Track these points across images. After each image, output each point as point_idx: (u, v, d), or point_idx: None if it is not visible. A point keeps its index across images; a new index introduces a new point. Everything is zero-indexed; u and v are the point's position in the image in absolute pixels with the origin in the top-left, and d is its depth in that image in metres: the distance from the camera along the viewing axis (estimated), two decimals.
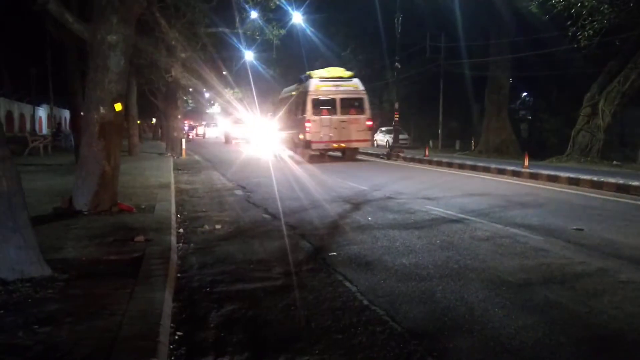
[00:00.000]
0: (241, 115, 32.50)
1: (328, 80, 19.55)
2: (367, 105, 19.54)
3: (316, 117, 18.65)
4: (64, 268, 4.84)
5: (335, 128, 18.85)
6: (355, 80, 19.96)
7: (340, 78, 19.81)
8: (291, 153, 20.91)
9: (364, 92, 19.68)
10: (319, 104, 18.81)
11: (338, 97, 19.07)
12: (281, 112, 23.11)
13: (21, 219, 4.58)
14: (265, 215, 8.78)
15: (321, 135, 18.67)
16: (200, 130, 57.24)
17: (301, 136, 19.16)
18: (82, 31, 7.98)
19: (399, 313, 4.15)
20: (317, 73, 20.36)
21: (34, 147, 21.75)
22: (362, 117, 19.31)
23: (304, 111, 18.88)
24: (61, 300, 4.09)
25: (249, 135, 34.07)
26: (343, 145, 19.46)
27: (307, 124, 18.53)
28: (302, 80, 20.94)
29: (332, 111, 18.96)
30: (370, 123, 19.63)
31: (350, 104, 19.25)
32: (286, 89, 24.72)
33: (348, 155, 20.22)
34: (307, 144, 18.87)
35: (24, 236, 4.55)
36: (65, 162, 16.89)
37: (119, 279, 4.62)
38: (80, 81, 16.65)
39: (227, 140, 39.48)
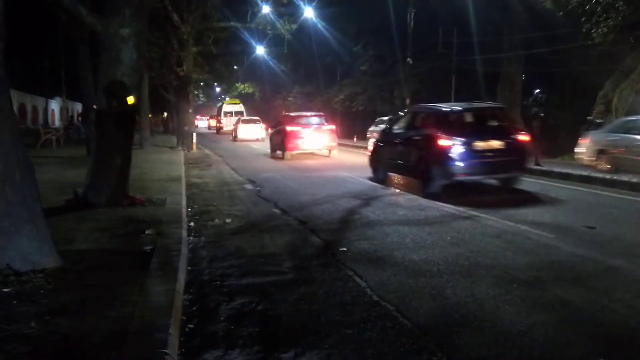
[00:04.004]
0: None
1: (230, 104, 48.95)
2: (244, 113, 44.81)
3: (225, 118, 46.67)
4: (76, 259, 4.88)
5: (239, 123, 36.72)
6: (241, 104, 48.43)
7: (234, 103, 48.98)
8: (232, 135, 37.05)
9: (243, 107, 47.49)
10: (227, 113, 47.33)
11: (233, 110, 46.90)
12: (216, 114, 53.83)
13: (34, 210, 4.61)
14: (275, 209, 8.79)
15: (226, 124, 45.11)
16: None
17: (220, 125, 47.76)
18: (95, 24, 8.01)
19: (409, 309, 4.15)
20: (227, 100, 52.01)
21: (47, 139, 21.90)
22: (254, 118, 38.86)
23: (220, 115, 48.74)
24: (73, 291, 4.12)
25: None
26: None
27: (222, 119, 47.30)
28: (222, 102, 53.10)
29: (231, 115, 45.64)
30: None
31: (238, 113, 45.15)
32: (219, 105, 56.02)
33: None
34: (221, 128, 46.43)
35: (37, 227, 4.59)
36: (77, 154, 16.99)
37: (130, 271, 4.65)
38: (92, 74, 16.74)
39: (209, 127, 59.73)
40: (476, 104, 12.34)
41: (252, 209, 8.85)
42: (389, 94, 35.43)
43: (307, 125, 19.30)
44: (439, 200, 9.25)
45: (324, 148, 19.47)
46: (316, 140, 19.12)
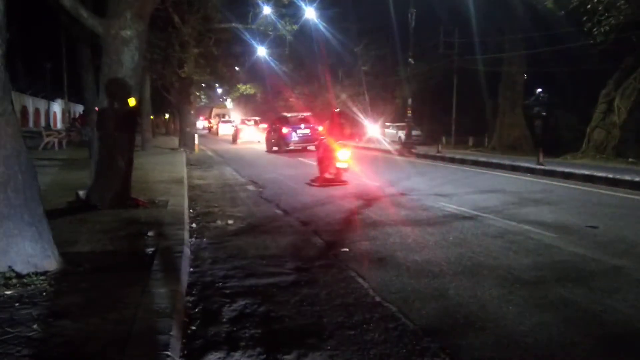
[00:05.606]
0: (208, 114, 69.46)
1: (219, 108, 65.63)
2: (230, 115, 60.04)
3: (214, 119, 59.60)
4: (78, 262, 4.88)
5: (219, 123, 51.22)
6: (227, 109, 67.18)
7: (222, 107, 67.34)
8: (228, 136, 42.97)
9: (229, 111, 64.91)
10: (217, 115, 61.83)
11: (222, 112, 63.26)
12: (208, 116, 66.84)
13: (36, 212, 4.61)
14: (277, 210, 8.79)
15: (215, 125, 54.56)
16: None
17: (210, 125, 61.80)
18: (96, 26, 8.01)
19: (411, 310, 4.14)
20: (216, 105, 67.09)
21: (49, 141, 21.93)
22: (230, 119, 50.79)
23: (211, 117, 64.42)
24: (75, 293, 4.12)
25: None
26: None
27: (211, 121, 62.33)
28: (214, 106, 66.56)
29: (219, 117, 57.66)
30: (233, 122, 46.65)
31: (225, 115, 60.01)
32: (213, 108, 66.33)
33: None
34: (211, 128, 58.76)
35: (39, 230, 4.59)
36: (79, 157, 17.01)
37: (132, 272, 4.65)
38: (94, 76, 16.75)
39: (204, 128, 68.16)
40: (300, 114, 26.88)
41: (254, 210, 8.84)
42: (390, 94, 35.44)
43: (249, 125, 36.99)
44: (441, 201, 9.26)
45: (258, 139, 32.67)
46: (253, 134, 35.24)
